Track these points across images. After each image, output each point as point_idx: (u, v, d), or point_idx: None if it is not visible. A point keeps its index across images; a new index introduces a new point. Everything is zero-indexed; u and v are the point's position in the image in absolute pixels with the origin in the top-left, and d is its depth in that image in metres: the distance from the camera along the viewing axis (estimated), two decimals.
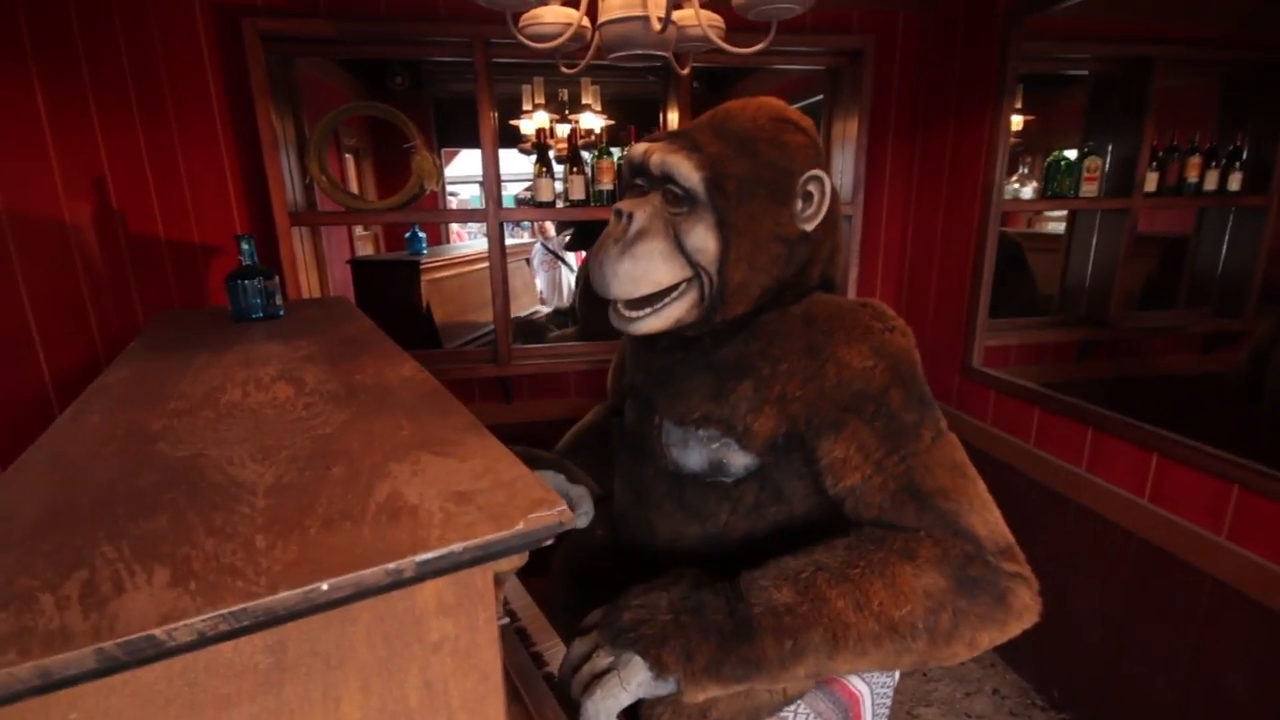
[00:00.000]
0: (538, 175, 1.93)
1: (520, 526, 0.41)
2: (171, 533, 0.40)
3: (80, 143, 1.38)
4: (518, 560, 0.44)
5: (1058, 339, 1.97)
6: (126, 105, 1.54)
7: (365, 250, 3.24)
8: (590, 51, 0.92)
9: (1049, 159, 1.89)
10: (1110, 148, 1.80)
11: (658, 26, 0.77)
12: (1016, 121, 1.87)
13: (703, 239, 0.85)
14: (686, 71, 0.97)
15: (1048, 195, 1.89)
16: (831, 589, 0.74)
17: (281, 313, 1.20)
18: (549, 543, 0.44)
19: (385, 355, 0.88)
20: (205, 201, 1.74)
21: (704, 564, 0.83)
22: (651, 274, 0.87)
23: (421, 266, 2.32)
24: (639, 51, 0.84)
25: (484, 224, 1.84)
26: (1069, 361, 1.96)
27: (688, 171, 0.84)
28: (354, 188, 3.05)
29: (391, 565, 0.37)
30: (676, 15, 0.93)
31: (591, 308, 2.40)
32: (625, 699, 0.73)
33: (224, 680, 0.36)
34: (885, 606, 0.72)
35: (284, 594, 0.34)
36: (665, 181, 0.87)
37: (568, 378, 2.06)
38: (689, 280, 0.88)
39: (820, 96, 2.21)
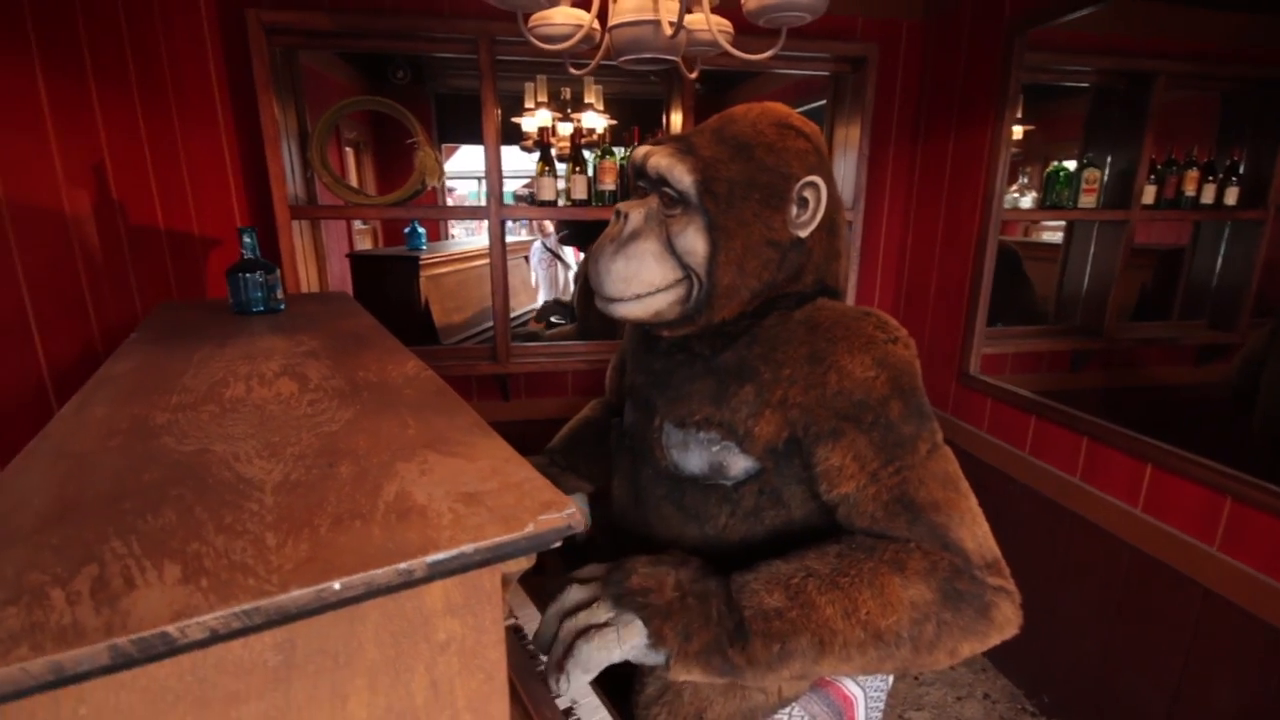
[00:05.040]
0: (540, 173, 1.93)
1: (530, 529, 0.41)
2: (180, 529, 0.40)
3: (81, 130, 1.37)
4: (525, 562, 0.44)
5: (1053, 348, 1.98)
6: (128, 94, 1.53)
7: (364, 244, 3.23)
8: (599, 54, 0.92)
9: (1048, 169, 1.91)
10: (1109, 160, 1.81)
11: (669, 31, 0.77)
12: (1017, 132, 1.88)
13: (692, 240, 0.86)
14: (694, 75, 0.97)
15: (1047, 205, 1.91)
16: (821, 596, 0.75)
17: (283, 307, 1.20)
18: (557, 544, 0.44)
19: (388, 352, 0.88)
20: (205, 192, 1.74)
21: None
22: (643, 274, 0.88)
23: (421, 262, 2.31)
24: (649, 55, 0.84)
25: (483, 221, 1.84)
26: (1064, 371, 1.97)
27: (681, 174, 0.86)
28: (354, 181, 3.04)
29: (403, 565, 0.37)
30: (687, 20, 0.93)
31: (589, 307, 2.40)
32: (616, 656, 0.74)
33: (233, 677, 0.36)
34: (872, 615, 0.74)
35: (296, 592, 0.34)
36: (661, 184, 0.88)
37: (565, 376, 2.06)
38: (679, 281, 0.89)
39: (823, 101, 2.22)
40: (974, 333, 1.89)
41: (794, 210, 0.89)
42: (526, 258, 3.16)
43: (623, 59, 0.86)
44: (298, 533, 0.40)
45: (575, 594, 0.78)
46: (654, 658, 0.74)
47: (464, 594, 0.42)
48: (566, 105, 2.74)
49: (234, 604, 0.33)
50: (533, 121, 2.68)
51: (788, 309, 0.92)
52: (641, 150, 0.92)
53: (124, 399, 0.66)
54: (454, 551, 0.39)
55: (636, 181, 0.96)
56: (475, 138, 1.78)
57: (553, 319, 2.91)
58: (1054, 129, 1.97)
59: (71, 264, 1.33)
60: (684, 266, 0.89)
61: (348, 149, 3.10)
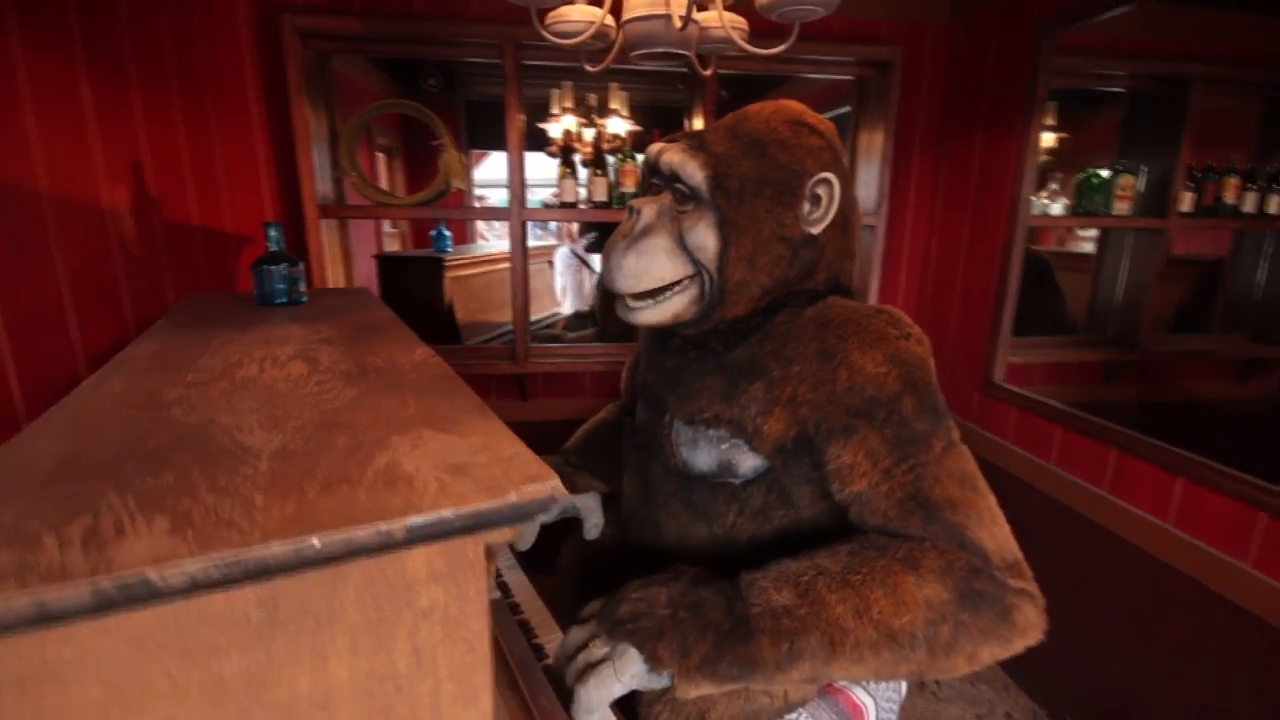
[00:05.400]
0: (562, 176, 1.96)
1: (512, 497, 0.41)
2: (175, 488, 0.42)
3: (122, 129, 1.43)
4: (509, 533, 0.44)
5: (1084, 359, 1.93)
6: (168, 95, 1.59)
7: (393, 248, 3.30)
8: (614, 51, 0.93)
9: (1081, 176, 1.87)
10: (1145, 166, 1.77)
11: (679, 24, 0.78)
12: (1050, 139, 1.84)
13: (703, 236, 0.86)
14: (709, 73, 0.98)
15: (1078, 212, 1.86)
16: (831, 594, 0.73)
17: (305, 299, 1.23)
18: (543, 519, 0.44)
19: (400, 340, 0.89)
20: (239, 191, 1.79)
21: (710, 565, 0.83)
22: (654, 269, 0.88)
23: (445, 264, 2.35)
24: (661, 50, 0.85)
25: (510, 225, 1.87)
26: (1095, 383, 1.91)
27: (693, 170, 0.86)
28: (385, 185, 3.11)
29: (383, 526, 0.37)
30: (700, 16, 0.93)
31: (609, 310, 2.41)
32: (618, 689, 0.74)
33: (216, 630, 0.36)
34: (885, 615, 0.72)
35: (276, 547, 0.35)
36: (674, 180, 0.89)
37: (584, 378, 2.07)
38: (691, 277, 0.89)
39: (848, 108, 2.21)
40: (999, 340, 1.85)
41: (806, 207, 0.89)
42: (550, 262, 3.19)
43: (635, 53, 0.87)
44: (286, 495, 0.41)
45: (575, 636, 0.78)
46: (659, 681, 0.73)
47: (447, 562, 0.42)
48: (592, 111, 2.77)
49: (215, 554, 0.34)
50: (558, 127, 2.72)
51: (799, 306, 0.91)
52: (655, 147, 0.93)
53: (141, 376, 0.69)
54: (434, 516, 0.39)
55: (651, 179, 0.96)
56: (504, 144, 1.81)
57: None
58: (1087, 136, 1.92)
59: (108, 256, 1.39)
60: (695, 263, 0.89)
61: (379, 154, 3.17)
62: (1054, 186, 1.96)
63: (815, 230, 0.89)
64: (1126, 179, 1.77)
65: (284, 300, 1.19)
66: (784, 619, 0.73)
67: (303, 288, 1.21)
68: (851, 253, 0.99)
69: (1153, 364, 1.78)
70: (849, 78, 2.05)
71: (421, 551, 0.41)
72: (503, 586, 1.14)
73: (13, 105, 1.15)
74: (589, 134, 2.78)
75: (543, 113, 2.91)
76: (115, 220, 1.41)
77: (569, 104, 2.59)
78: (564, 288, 4.07)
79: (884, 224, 2.03)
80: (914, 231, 2.17)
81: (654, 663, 0.73)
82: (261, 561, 0.34)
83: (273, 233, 1.17)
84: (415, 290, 2.35)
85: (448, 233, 2.61)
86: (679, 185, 0.88)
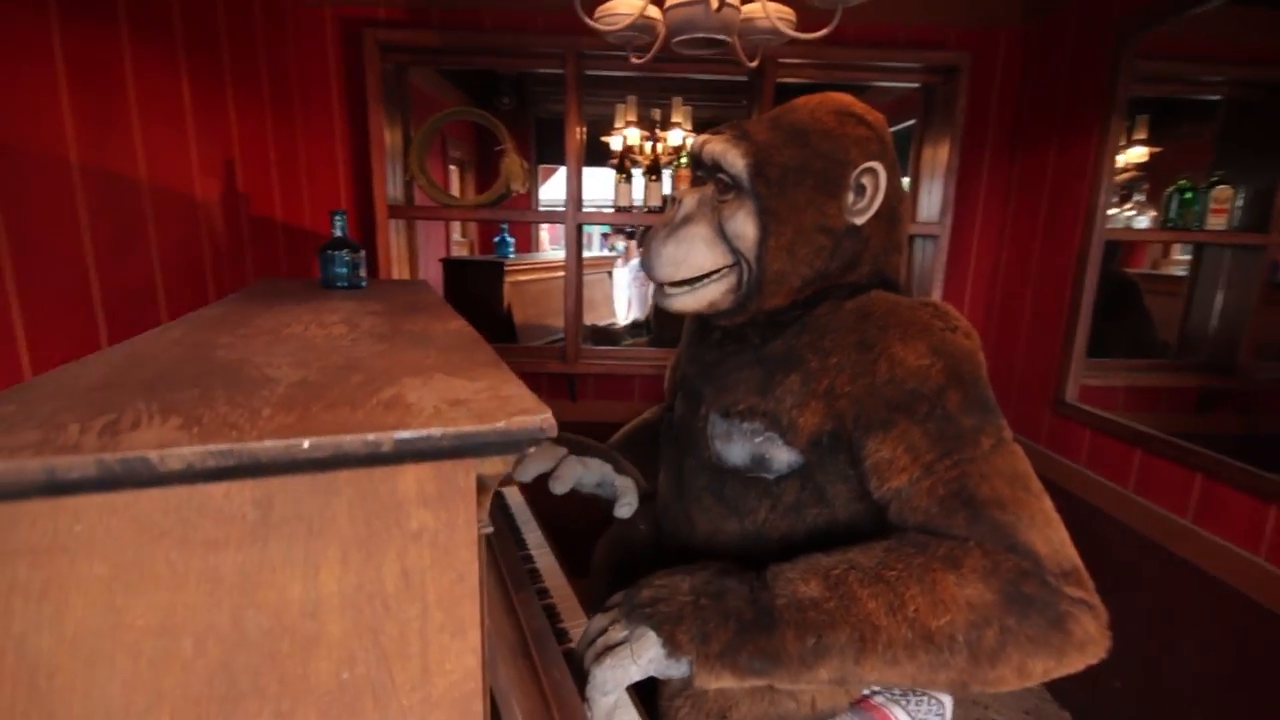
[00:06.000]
0: (618, 182, 1.99)
1: (501, 424, 0.42)
2: (196, 401, 0.44)
3: (217, 129, 1.57)
4: (501, 465, 0.44)
5: (1174, 384, 1.78)
6: (260, 101, 1.73)
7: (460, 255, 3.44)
8: (658, 43, 0.95)
9: (1171, 188, 1.74)
10: (1245, 179, 1.64)
11: (715, 5, 0.79)
12: (1141, 153, 1.74)
13: (742, 225, 0.86)
14: (755, 63, 0.98)
15: (1167, 226, 1.73)
16: (863, 588, 0.70)
17: (364, 284, 1.29)
18: (541, 468, 0.44)
19: (439, 314, 0.93)
20: (318, 190, 1.92)
21: (740, 563, 0.81)
22: (693, 258, 0.88)
23: (505, 268, 2.43)
24: (702, 35, 0.86)
25: (566, 226, 1.91)
26: (1188, 412, 1.76)
27: (734, 159, 0.86)
28: (455, 195, 3.26)
29: (370, 436, 0.39)
30: (747, 9, 0.94)
31: (662, 315, 2.42)
32: (635, 672, 0.72)
33: (215, 524, 0.39)
34: (922, 613, 0.67)
35: (268, 443, 0.37)
36: (716, 170, 0.89)
37: (633, 381, 2.07)
38: (729, 266, 0.88)
39: (913, 121, 2.16)
40: (1072, 358, 1.74)
41: (851, 197, 0.87)
42: (609, 273, 3.25)
43: (677, 40, 0.88)
44: (290, 410, 0.43)
45: (597, 621, 0.78)
46: (677, 668, 0.71)
47: (438, 486, 0.43)
48: (655, 125, 2.82)
49: (211, 444, 0.36)
50: (620, 140, 2.78)
51: (840, 299, 0.89)
52: (700, 138, 0.94)
53: (200, 328, 0.74)
54: (422, 432, 0.40)
55: (695, 171, 0.97)
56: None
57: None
58: (1180, 149, 1.80)
59: (198, 244, 1.51)
60: (734, 251, 0.89)
61: (452, 167, 3.33)
62: (1139, 198, 1.84)
63: (859, 221, 0.87)
64: (1224, 191, 1.64)
65: (345, 284, 1.26)
66: (810, 611, 0.70)
67: (363, 273, 1.28)
68: (898, 246, 0.96)
69: (1256, 393, 1.62)
70: (915, 85, 2.01)
71: (412, 472, 0.42)
72: (533, 573, 1.15)
73: (122, 104, 1.28)
74: (652, 148, 2.83)
75: (608, 128, 2.98)
76: (206, 211, 1.53)
77: (632, 117, 2.64)
78: (629, 300, 4.14)
79: (948, 234, 1.95)
80: (982, 244, 2.08)
81: (672, 647, 0.72)
82: (253, 455, 0.36)
83: (338, 220, 1.25)
84: (476, 292, 2.44)
85: (510, 240, 2.70)
86: (721, 175, 0.89)
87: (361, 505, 0.41)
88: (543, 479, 1.01)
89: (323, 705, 0.43)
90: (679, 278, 0.90)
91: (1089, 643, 0.67)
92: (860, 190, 0.87)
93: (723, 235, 0.89)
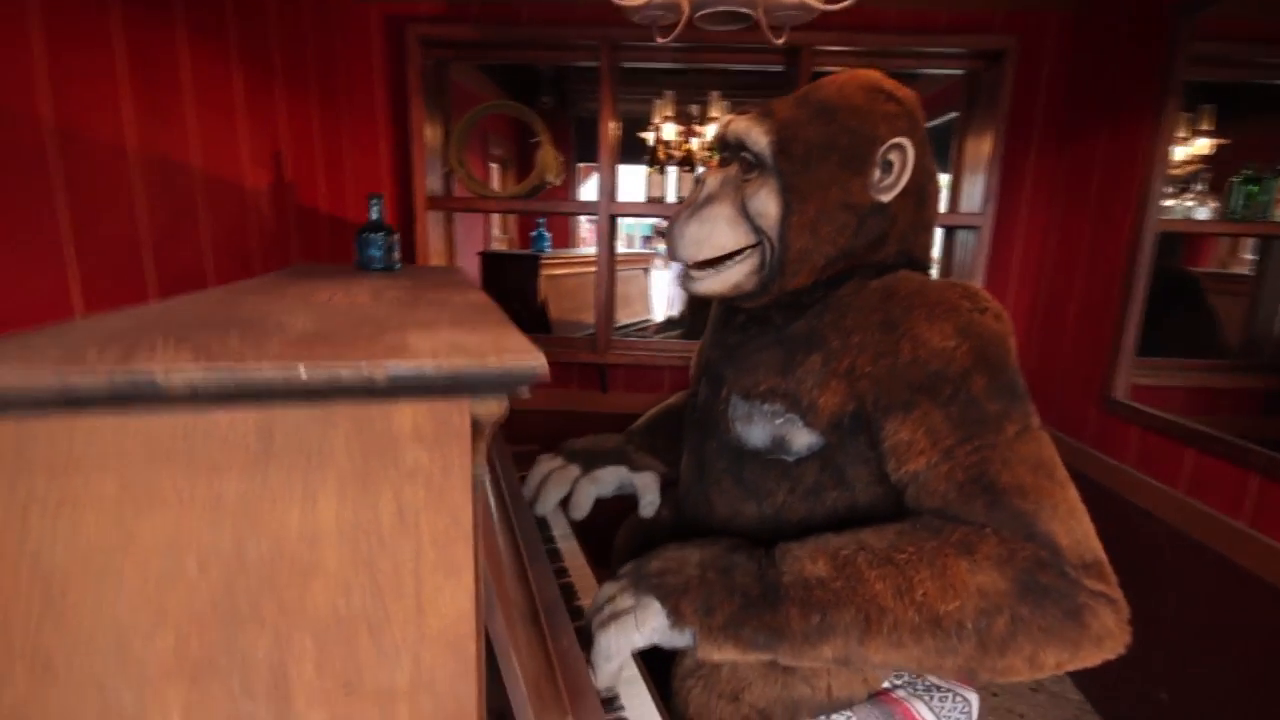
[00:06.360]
0: (650, 174, 2.00)
1: (492, 361, 0.43)
2: (212, 339, 0.47)
3: (266, 121, 1.64)
4: (496, 408, 0.45)
5: (1235, 385, 1.68)
6: (307, 95, 1.80)
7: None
8: (683, 21, 0.95)
9: (1235, 178, 1.65)
10: None
11: None
12: (1204, 145, 1.65)
13: (765, 202, 0.85)
14: (782, 41, 0.97)
15: (1229, 217, 1.64)
16: (872, 570, 0.69)
17: (398, 267, 1.33)
18: (524, 393, 0.45)
19: (462, 289, 0.95)
20: (361, 182, 1.99)
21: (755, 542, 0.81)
22: (715, 237, 0.88)
23: (541, 262, 2.47)
24: (725, 9, 0.86)
25: (599, 217, 1.93)
26: (1254, 414, 1.66)
27: (757, 136, 0.86)
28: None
29: (364, 366, 0.40)
30: None
31: (696, 308, 2.42)
32: (638, 639, 0.73)
33: (219, 450, 0.40)
34: (930, 597, 0.66)
35: (267, 367, 0.38)
36: (740, 149, 0.89)
37: (663, 373, 2.07)
38: (752, 247, 0.88)
39: (955, 114, 2.10)
40: (1120, 353, 1.66)
41: (877, 174, 0.86)
42: (645, 270, 3.26)
43: (700, 14, 0.88)
44: (295, 347, 0.45)
45: (606, 590, 0.79)
46: (680, 639, 0.72)
47: (433, 425, 0.44)
48: (692, 120, 2.82)
49: (214, 366, 0.37)
50: (654, 134, 2.78)
51: (865, 278, 0.88)
52: (725, 119, 0.94)
53: (231, 293, 0.78)
54: (414, 365, 0.41)
55: (721, 153, 0.97)
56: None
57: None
58: (1256, 142, 1.69)
59: (246, 229, 1.58)
60: (757, 231, 0.88)
61: (493, 165, 3.40)
62: (1200, 188, 1.75)
63: (885, 198, 0.86)
64: None
65: (380, 266, 1.30)
66: (816, 590, 0.70)
67: (397, 256, 1.32)
68: (926, 225, 0.94)
69: None
70: (959, 72, 1.95)
71: (408, 409, 0.43)
72: (554, 554, 1.16)
73: (177, 96, 1.35)
74: (692, 143, 2.83)
75: (646, 125, 2.99)
76: (254, 199, 1.60)
77: (669, 113, 2.65)
78: (671, 298, 4.15)
79: (990, 226, 1.89)
80: (1028, 237, 2.01)
81: (676, 617, 0.72)
82: (252, 379, 0.38)
83: (374, 203, 1.29)
84: (512, 285, 2.48)
85: (547, 234, 2.73)
86: (745, 154, 0.88)
87: (359, 439, 0.43)
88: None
89: (319, 634, 0.44)
90: (701, 257, 0.90)
91: (1106, 637, 0.65)
92: (887, 167, 0.86)
93: (745, 214, 0.89)
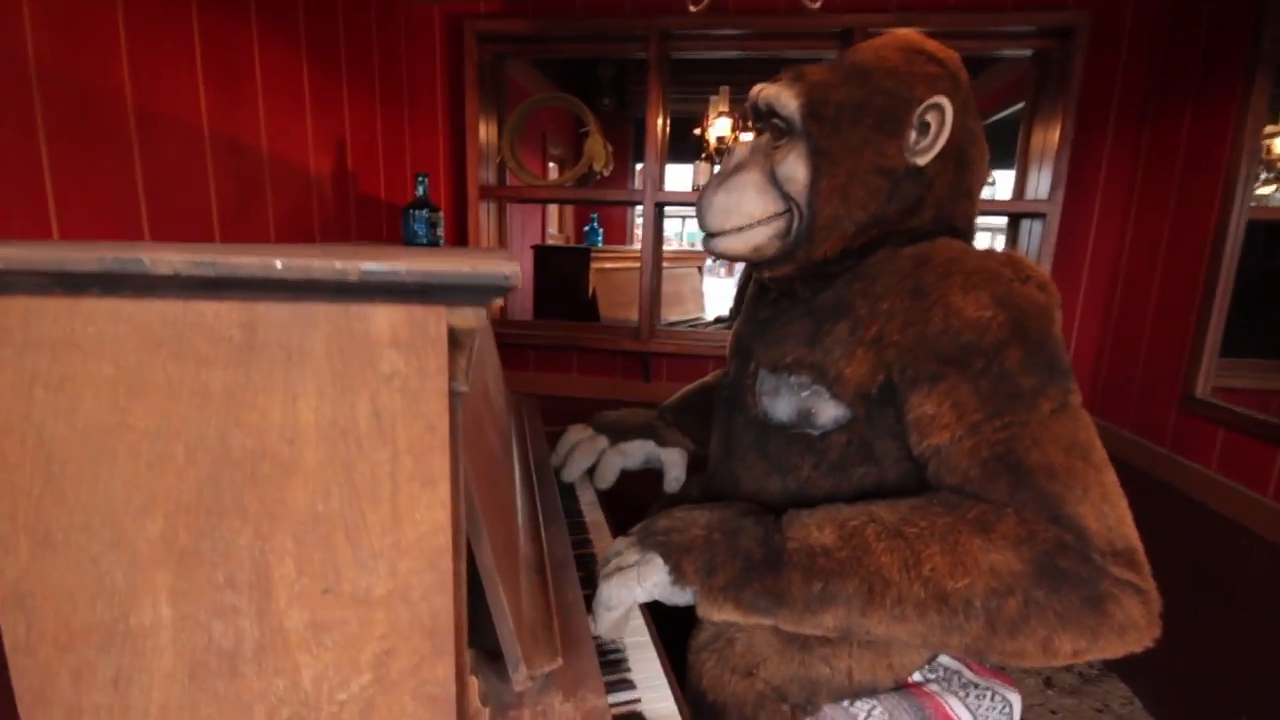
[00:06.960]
0: (698, 164, 2.00)
1: (465, 267, 0.43)
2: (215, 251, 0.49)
3: (331, 112, 1.74)
4: (473, 319, 0.46)
5: None
6: (371, 88, 1.90)
7: None
8: None
9: None
10: None
11: None
12: None
13: (793, 167, 0.83)
14: (817, 5, 0.95)
15: None
16: (879, 542, 0.67)
17: (440, 242, 1.38)
18: (497, 299, 0.45)
19: (491, 254, 0.97)
20: (419, 170, 2.07)
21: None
22: (743, 205, 0.87)
23: (592, 255, 2.49)
24: None
25: (645, 206, 1.94)
26: None
27: (787, 100, 0.84)
28: None
29: (338, 263, 0.41)
30: None
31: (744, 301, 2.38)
32: (639, 593, 0.73)
33: (205, 342, 0.42)
34: (938, 573, 0.64)
35: (246, 259, 0.40)
36: (770, 115, 0.88)
37: (706, 362, 2.05)
38: (780, 213, 0.86)
39: (1023, 104, 1.99)
40: (1204, 348, 1.52)
41: (913, 135, 0.83)
42: (700, 268, 3.24)
43: None
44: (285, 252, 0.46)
45: (614, 545, 0.79)
46: (681, 596, 0.72)
47: (409, 331, 0.45)
48: (746, 116, 2.80)
49: (197, 254, 0.40)
50: (713, 131, 2.79)
51: (898, 245, 0.84)
52: (757, 87, 0.93)
53: (270, 247, 0.82)
54: (388, 266, 0.42)
55: (756, 123, 0.96)
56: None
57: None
58: None
59: (309, 213, 1.67)
60: (785, 197, 0.86)
61: (551, 164, 3.47)
62: None
63: (921, 161, 0.82)
64: None
65: (423, 241, 1.35)
66: (820, 558, 0.68)
67: (440, 232, 1.37)
68: (968, 191, 0.90)
69: None
70: (1027, 53, 1.86)
71: (384, 313, 0.44)
72: (579, 525, 1.16)
73: (249, 84, 1.45)
74: (744, 137, 2.81)
75: (702, 122, 2.99)
76: (318, 185, 1.70)
77: (724, 108, 2.64)
78: (724, 298, 4.13)
79: (1058, 214, 1.78)
80: (1101, 228, 1.88)
81: (677, 574, 0.72)
82: (233, 269, 0.40)
83: (420, 180, 1.34)
84: (564, 277, 2.52)
85: (599, 229, 2.77)
86: (775, 120, 0.87)
87: (337, 340, 0.44)
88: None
89: (299, 533, 0.46)
90: (729, 226, 0.89)
91: (1130, 628, 0.61)
92: (924, 128, 0.83)
93: (774, 181, 0.87)
